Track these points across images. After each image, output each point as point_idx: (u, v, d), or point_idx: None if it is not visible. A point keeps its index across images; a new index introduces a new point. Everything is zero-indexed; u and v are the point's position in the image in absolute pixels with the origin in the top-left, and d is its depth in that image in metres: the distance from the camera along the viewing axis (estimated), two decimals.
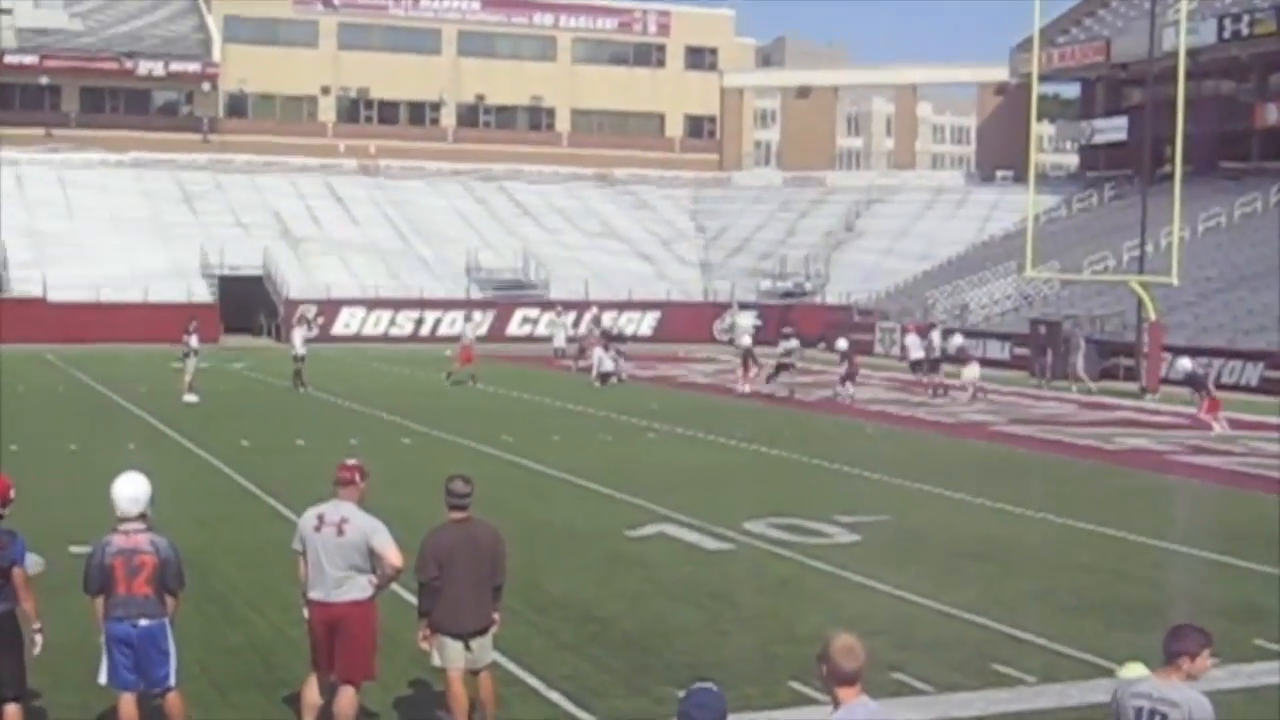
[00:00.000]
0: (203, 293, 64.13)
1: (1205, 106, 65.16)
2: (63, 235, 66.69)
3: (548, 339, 59.21)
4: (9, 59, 78.70)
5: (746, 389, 42.27)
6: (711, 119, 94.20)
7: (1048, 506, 22.50)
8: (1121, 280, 50.97)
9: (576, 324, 59.07)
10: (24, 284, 61.53)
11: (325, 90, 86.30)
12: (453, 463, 20.09)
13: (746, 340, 45.43)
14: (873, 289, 68.24)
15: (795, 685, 12.49)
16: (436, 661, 10.91)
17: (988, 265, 66.14)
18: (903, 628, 14.68)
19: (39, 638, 10.28)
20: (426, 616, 10.77)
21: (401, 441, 29.74)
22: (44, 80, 79.59)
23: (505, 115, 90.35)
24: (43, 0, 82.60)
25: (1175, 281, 45.64)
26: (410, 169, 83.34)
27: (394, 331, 65.86)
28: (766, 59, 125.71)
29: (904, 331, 50.90)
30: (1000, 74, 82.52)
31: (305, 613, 10.92)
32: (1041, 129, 71.32)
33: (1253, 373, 45.84)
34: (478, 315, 59.88)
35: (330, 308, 65.00)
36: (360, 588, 10.65)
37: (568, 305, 62.10)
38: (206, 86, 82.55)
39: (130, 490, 10.25)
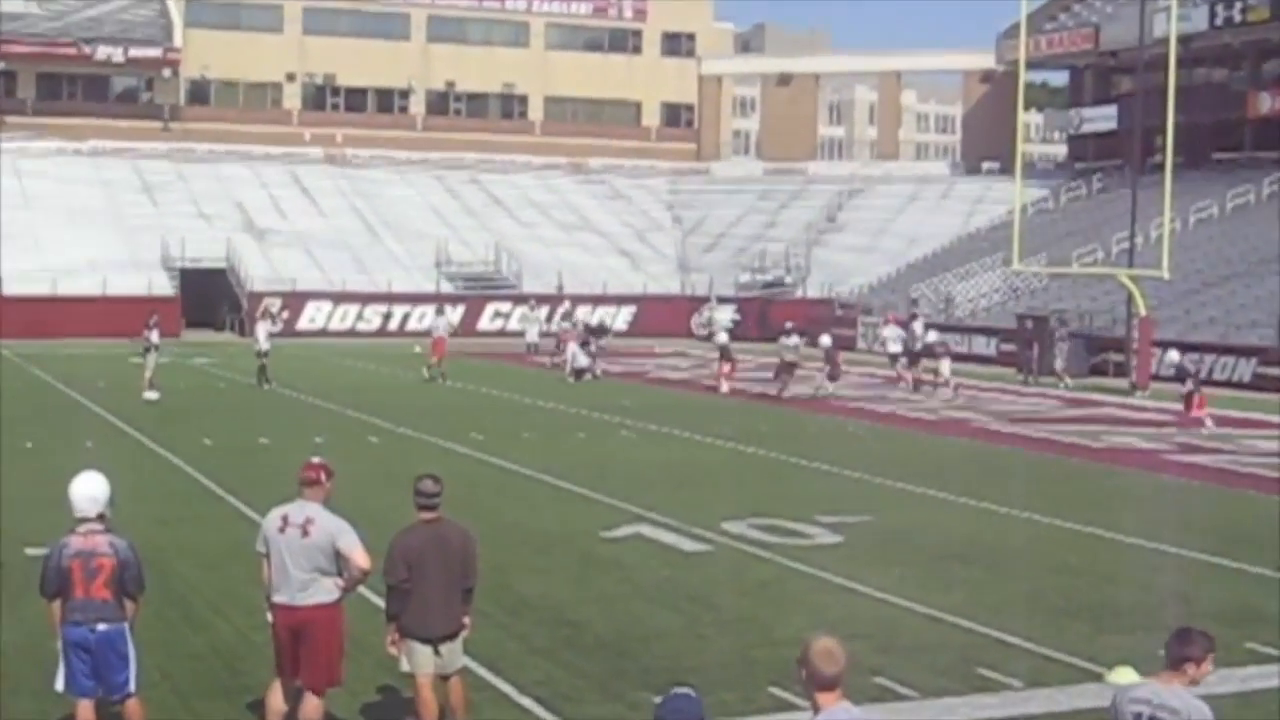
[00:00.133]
0: (164, 286, 62.72)
1: (1197, 95, 64.47)
2: (18, 226, 64.90)
3: (520, 334, 58.09)
4: None
5: (726, 389, 41.21)
6: (689, 107, 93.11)
7: (1034, 506, 22.29)
8: (1110, 274, 50.62)
9: (550, 318, 57.67)
10: None
11: (290, 77, 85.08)
12: (422, 461, 20.52)
13: (723, 337, 44.63)
14: (855, 283, 67.31)
15: (775, 690, 12.35)
16: (405, 667, 10.75)
17: (974, 258, 65.37)
18: (886, 631, 14.61)
19: None
20: (395, 620, 10.64)
21: (369, 440, 29.48)
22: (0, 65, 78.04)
23: (476, 103, 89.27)
24: None
25: (1166, 275, 45.26)
26: (378, 158, 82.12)
27: (361, 326, 64.82)
28: (746, 45, 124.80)
29: (884, 323, 49.76)
30: (986, 61, 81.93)
31: (269, 616, 10.77)
32: (1029, 118, 71.07)
33: (1245, 369, 45.51)
34: (449, 309, 58.35)
35: (295, 301, 63.93)
36: (326, 590, 10.51)
37: (541, 299, 60.82)
38: (167, 73, 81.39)
39: (88, 490, 10.10)
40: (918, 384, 41.96)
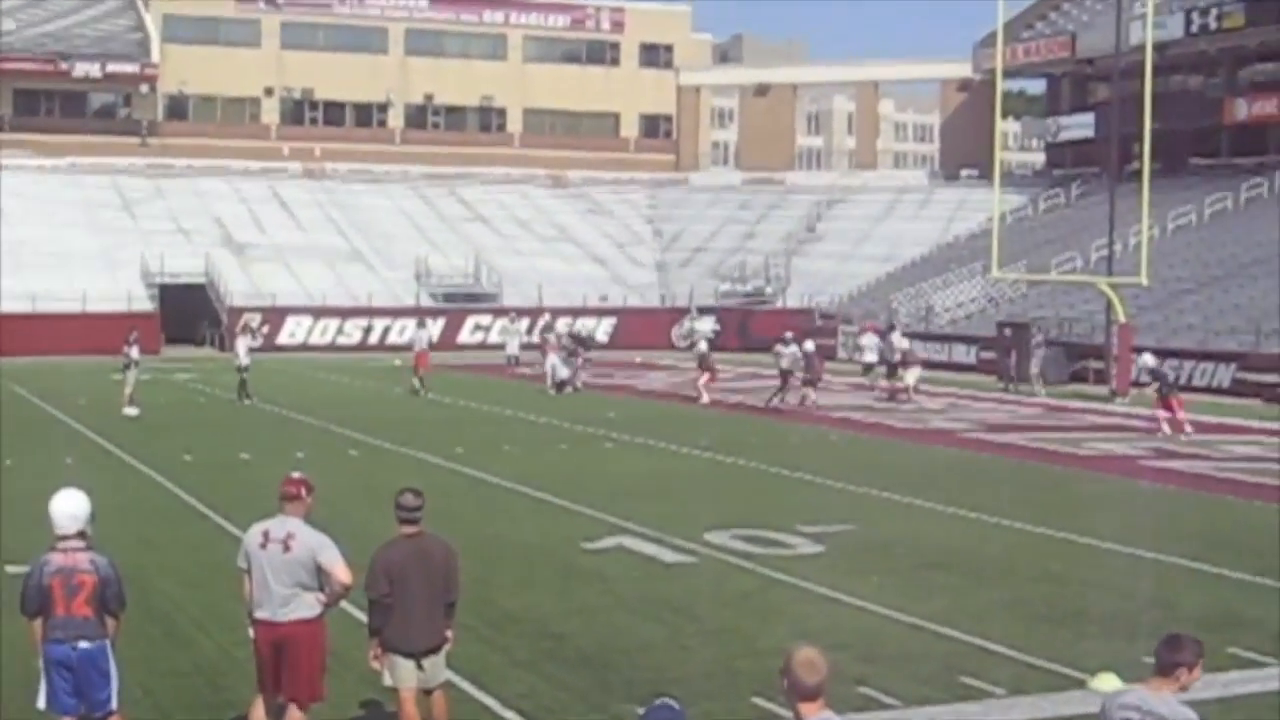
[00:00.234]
0: (143, 302, 62.64)
1: (1174, 102, 64.46)
2: None
3: (500, 346, 58.13)
4: None
5: (706, 399, 41.12)
6: (668, 118, 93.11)
7: (1016, 514, 22.22)
8: (1090, 281, 50.57)
9: (530, 331, 57.63)
10: None
11: (268, 91, 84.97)
12: (403, 475, 20.26)
13: (703, 346, 44.62)
14: (835, 292, 67.28)
15: (758, 701, 12.33)
16: (388, 681, 10.70)
17: (953, 267, 65.41)
18: (868, 640, 14.54)
19: None
20: (377, 635, 10.59)
21: (349, 454, 29.41)
22: None
23: (455, 116, 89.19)
24: None
25: (1145, 282, 45.35)
26: (357, 172, 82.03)
27: (341, 340, 64.70)
28: (724, 56, 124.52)
29: (861, 331, 49.78)
30: (964, 70, 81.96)
31: (251, 632, 10.70)
32: (1006, 126, 70.89)
33: (1224, 374, 45.55)
34: (429, 323, 58.20)
35: (275, 316, 63.80)
36: (308, 606, 10.45)
37: (521, 312, 60.74)
38: (145, 88, 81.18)
39: (69, 507, 10.00)
40: (894, 394, 41.81)
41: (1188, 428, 33.32)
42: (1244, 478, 26.82)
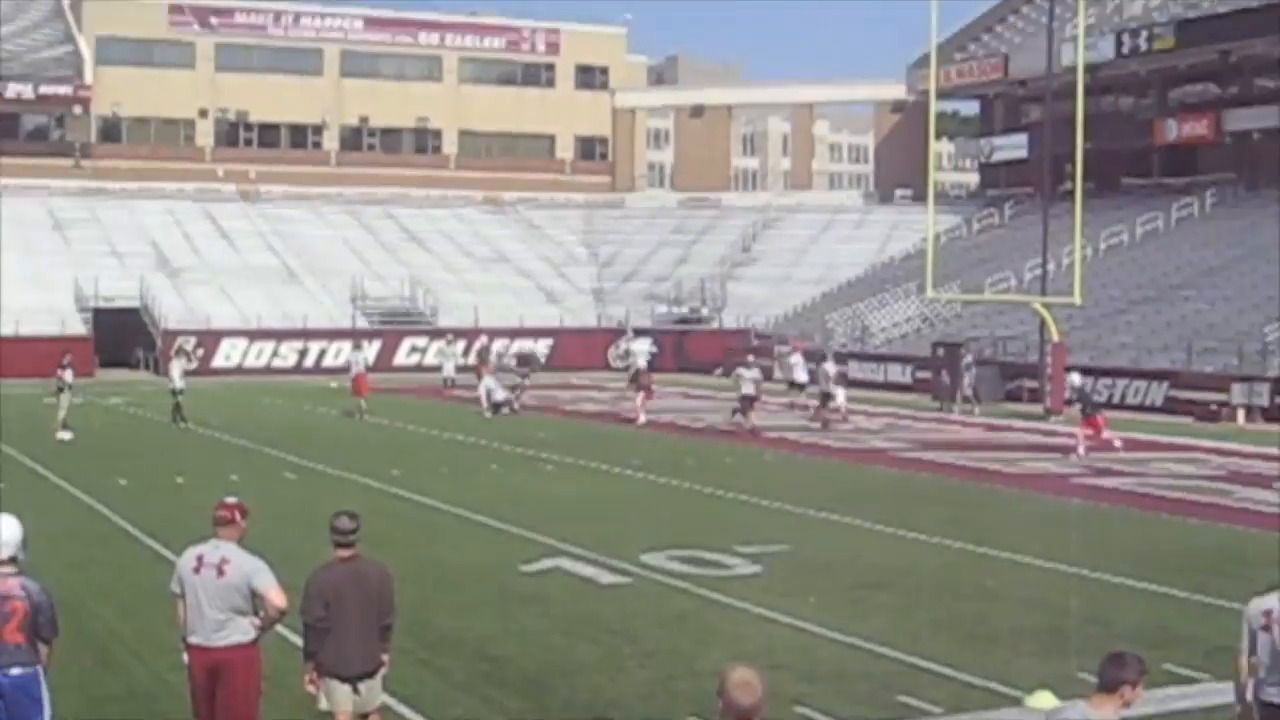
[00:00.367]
0: (76, 325, 61.97)
1: (1105, 123, 65.01)
2: None
3: (437, 368, 57.86)
4: None
5: (643, 419, 41.16)
6: (603, 140, 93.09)
7: (952, 532, 22.31)
8: (1024, 300, 50.80)
9: (467, 353, 57.45)
10: None
11: (203, 113, 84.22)
12: (338, 498, 20.71)
13: (642, 361, 44.51)
14: (771, 313, 67.35)
15: None
16: (324, 705, 10.61)
17: (888, 287, 65.59)
18: (806, 660, 14.59)
19: None
20: (313, 658, 10.50)
21: (285, 477, 29.35)
22: None
23: (390, 138, 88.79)
24: None
25: (1078, 301, 45.55)
26: (292, 194, 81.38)
27: (277, 363, 64.22)
28: (659, 78, 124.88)
29: (790, 350, 49.85)
30: (898, 91, 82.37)
31: (185, 658, 10.63)
32: (940, 147, 71.16)
33: (1157, 392, 45.87)
34: (366, 345, 57.95)
35: (210, 339, 63.23)
36: (242, 630, 10.41)
37: (457, 333, 60.47)
38: (78, 110, 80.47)
39: (0, 533, 9.87)
40: (827, 423, 40.75)
41: (1117, 443, 33.50)
42: (1176, 495, 27.06)
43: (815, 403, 42.76)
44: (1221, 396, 43.31)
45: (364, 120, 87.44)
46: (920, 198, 64.91)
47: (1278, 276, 51.37)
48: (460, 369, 54.70)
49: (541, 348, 66.43)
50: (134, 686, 13.63)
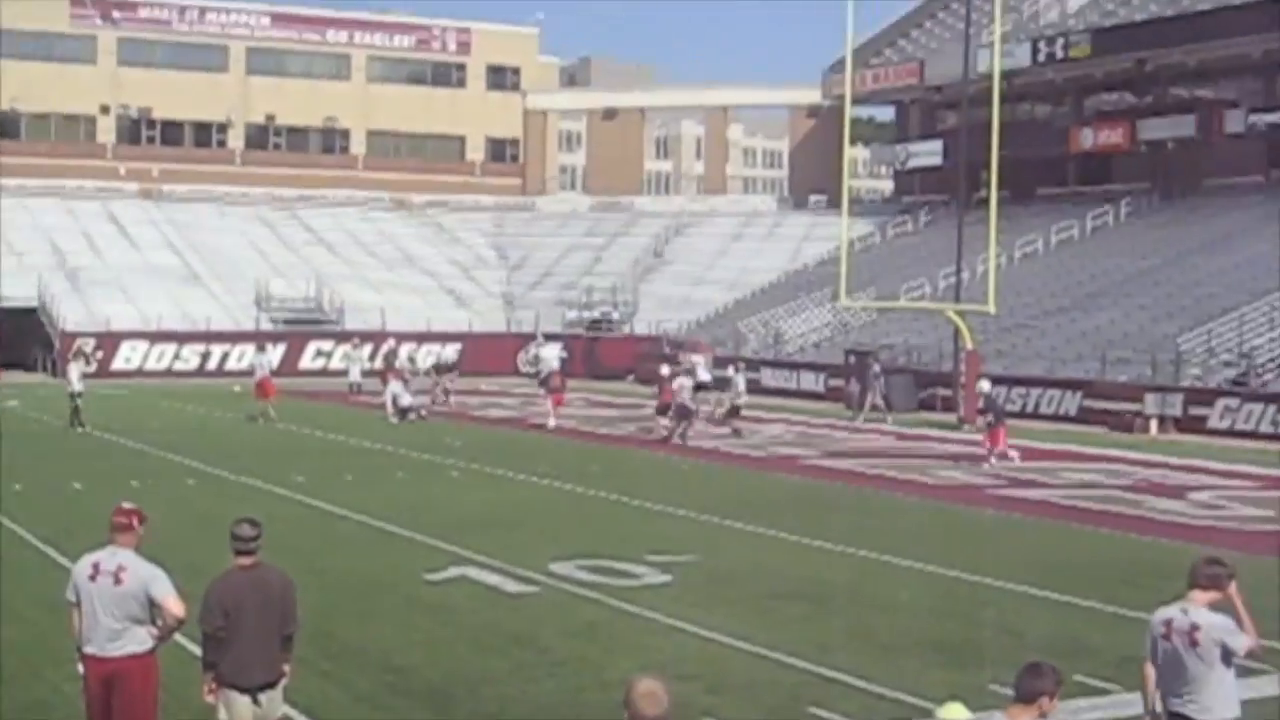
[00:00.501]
0: None
1: (1021, 131, 64.80)
2: None
3: (342, 373, 57.26)
4: None
5: (553, 424, 41.10)
6: (514, 142, 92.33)
7: (862, 542, 22.29)
8: (937, 308, 50.64)
9: (373, 357, 56.60)
10: None
11: (104, 109, 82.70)
12: (240, 504, 20.82)
13: (555, 364, 44.05)
14: (683, 319, 66.90)
15: None
16: (223, 716, 10.33)
17: (801, 294, 65.55)
18: (715, 671, 14.52)
19: None
20: (212, 669, 10.28)
21: (186, 483, 28.99)
22: None
23: (297, 137, 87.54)
24: None
25: (992, 309, 45.38)
26: (196, 193, 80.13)
27: (179, 366, 63.42)
28: (571, 79, 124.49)
29: (691, 349, 49.26)
30: (813, 96, 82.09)
31: (80, 668, 10.38)
32: (855, 153, 71.15)
33: (1071, 402, 46.08)
34: (270, 347, 56.99)
35: (110, 341, 62.40)
36: (139, 640, 10.22)
37: (364, 337, 59.65)
38: None
39: None
40: (737, 431, 40.39)
41: (1012, 454, 33.57)
42: (1088, 505, 27.13)
43: (720, 413, 42.79)
44: (1135, 406, 43.29)
45: (270, 119, 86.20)
46: (835, 204, 64.57)
47: (1192, 286, 51.54)
48: (366, 374, 54.21)
49: (449, 352, 65.62)
50: (28, 699, 13.31)
